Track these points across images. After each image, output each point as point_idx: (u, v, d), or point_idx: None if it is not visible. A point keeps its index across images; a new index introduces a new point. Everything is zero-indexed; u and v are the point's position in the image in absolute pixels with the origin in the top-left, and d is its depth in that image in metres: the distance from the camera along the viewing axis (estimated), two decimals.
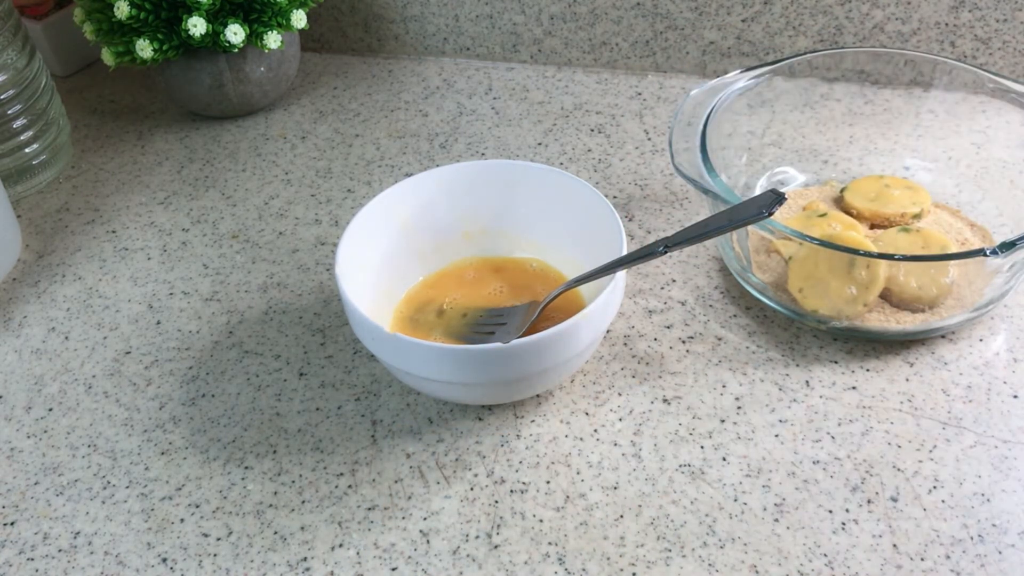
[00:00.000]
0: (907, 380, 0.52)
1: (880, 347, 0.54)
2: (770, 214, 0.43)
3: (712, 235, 0.46)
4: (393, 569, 0.45)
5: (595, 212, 0.53)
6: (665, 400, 0.52)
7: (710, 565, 0.44)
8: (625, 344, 0.55)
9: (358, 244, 0.53)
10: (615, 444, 0.50)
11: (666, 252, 0.46)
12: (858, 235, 0.55)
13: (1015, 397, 0.51)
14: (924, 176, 0.64)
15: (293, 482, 0.49)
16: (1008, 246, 0.47)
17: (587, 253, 0.54)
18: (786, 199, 0.44)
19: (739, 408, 0.51)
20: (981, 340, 0.54)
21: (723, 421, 0.51)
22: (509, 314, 0.53)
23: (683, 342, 0.55)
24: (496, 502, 0.48)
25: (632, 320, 0.57)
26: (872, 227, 0.59)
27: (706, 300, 0.58)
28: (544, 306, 0.52)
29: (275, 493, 0.49)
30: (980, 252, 0.47)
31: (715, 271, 0.60)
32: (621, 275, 0.49)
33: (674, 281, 0.59)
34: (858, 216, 0.59)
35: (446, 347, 0.46)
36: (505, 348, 0.45)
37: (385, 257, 0.55)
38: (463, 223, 0.58)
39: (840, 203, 0.61)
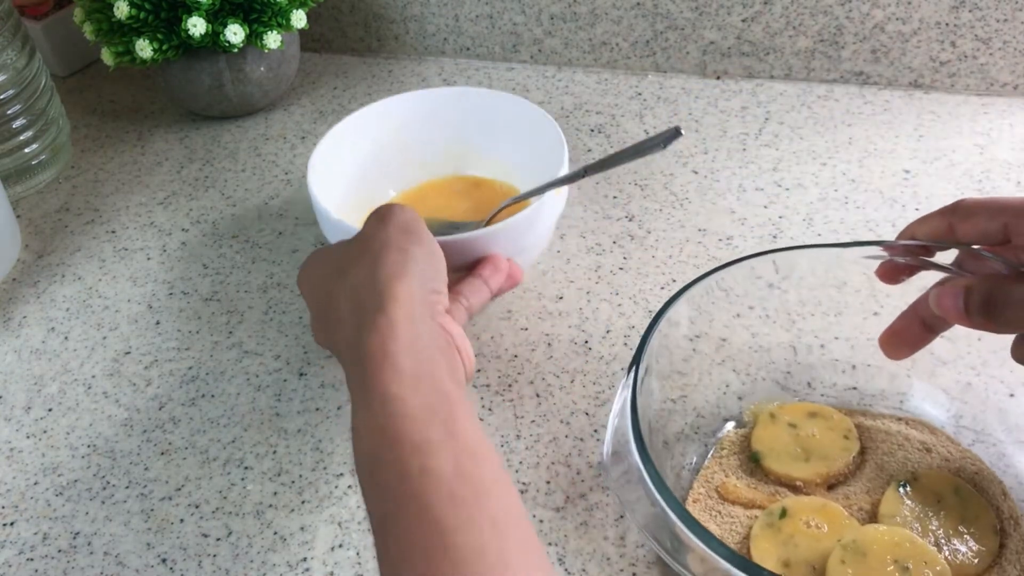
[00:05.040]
0: (907, 378, 0.52)
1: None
2: (665, 147, 0.47)
3: (624, 161, 0.50)
4: None
5: (542, 134, 0.58)
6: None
7: None
8: (625, 344, 0.55)
9: (328, 164, 0.57)
10: None
11: (586, 175, 0.52)
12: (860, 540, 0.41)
13: (1011, 396, 0.51)
14: (924, 178, 0.63)
15: (293, 482, 0.49)
16: None
17: (536, 173, 0.57)
18: (682, 135, 0.46)
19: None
20: (980, 340, 0.54)
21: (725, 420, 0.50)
22: (464, 227, 0.57)
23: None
24: None
25: (632, 320, 0.57)
26: (829, 488, 0.46)
27: None
28: (492, 217, 0.56)
29: (275, 493, 0.49)
30: None
31: None
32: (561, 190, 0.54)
33: (674, 281, 0.59)
34: (789, 483, 0.45)
35: None
36: (464, 239, 0.49)
37: (355, 177, 0.60)
38: (428, 146, 0.63)
39: (754, 465, 0.46)
